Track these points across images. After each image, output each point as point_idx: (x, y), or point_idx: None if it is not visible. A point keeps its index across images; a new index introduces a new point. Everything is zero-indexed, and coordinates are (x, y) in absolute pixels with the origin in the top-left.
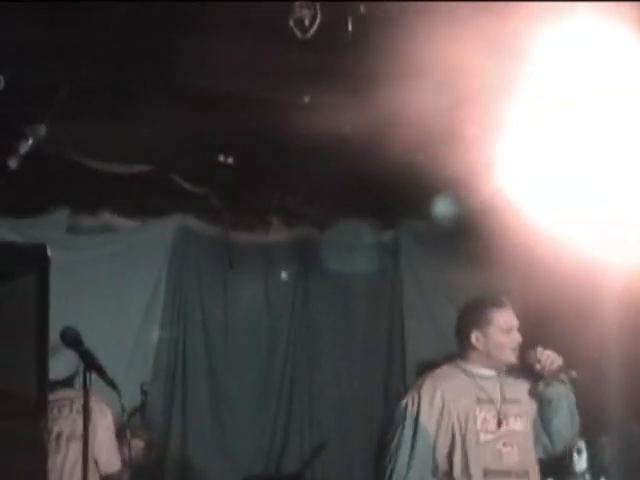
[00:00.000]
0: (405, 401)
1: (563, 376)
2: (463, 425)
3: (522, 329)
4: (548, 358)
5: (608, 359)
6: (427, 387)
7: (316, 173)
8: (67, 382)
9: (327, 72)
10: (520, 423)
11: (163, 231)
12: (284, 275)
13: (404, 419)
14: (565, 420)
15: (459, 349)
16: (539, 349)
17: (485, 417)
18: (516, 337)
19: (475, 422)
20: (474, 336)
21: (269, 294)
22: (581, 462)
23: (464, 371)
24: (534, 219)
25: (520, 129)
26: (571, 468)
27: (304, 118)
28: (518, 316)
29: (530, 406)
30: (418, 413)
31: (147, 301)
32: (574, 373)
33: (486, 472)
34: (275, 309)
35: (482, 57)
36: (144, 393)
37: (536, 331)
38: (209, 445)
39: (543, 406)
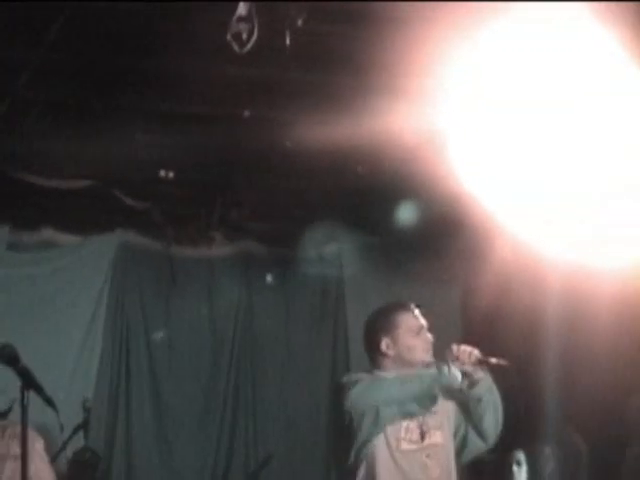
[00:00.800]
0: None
1: (483, 369)
2: (389, 428)
3: (463, 339)
4: (465, 352)
5: (547, 369)
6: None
7: (259, 187)
8: (1, 416)
9: (268, 86)
10: (440, 435)
11: (105, 247)
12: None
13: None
14: (495, 413)
15: (371, 361)
16: (454, 346)
17: (409, 426)
18: (427, 338)
19: (399, 429)
20: (384, 343)
21: (212, 309)
22: (521, 474)
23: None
24: (477, 229)
25: (470, 137)
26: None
27: (246, 132)
28: (461, 327)
29: (445, 416)
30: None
31: (89, 318)
32: (504, 361)
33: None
34: (218, 324)
35: (433, 60)
36: (86, 410)
37: (478, 341)
38: (153, 462)
39: (471, 406)
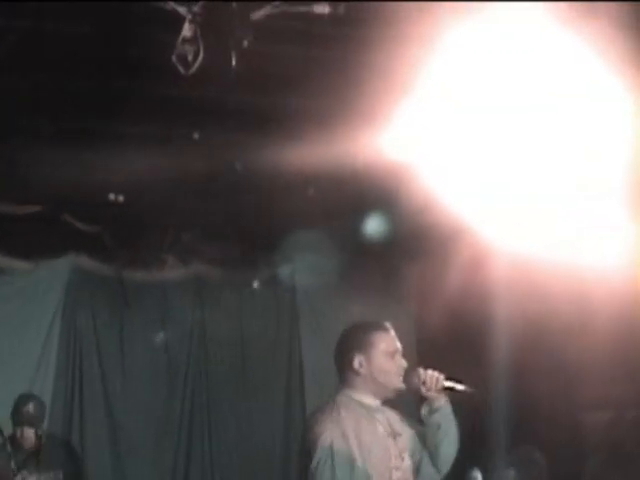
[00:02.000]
0: (328, 438)
1: (445, 395)
2: (378, 462)
3: (418, 358)
4: (432, 377)
5: (504, 387)
6: (346, 420)
7: (210, 210)
8: None
9: (217, 108)
10: (408, 458)
11: (56, 272)
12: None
13: (333, 460)
14: (452, 442)
15: (340, 378)
16: (421, 370)
17: (394, 453)
18: (401, 362)
19: (390, 458)
20: (357, 361)
21: (166, 332)
22: None
23: (357, 403)
24: (432, 249)
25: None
26: None
27: (196, 154)
28: (415, 346)
29: (411, 438)
30: (350, 451)
31: (42, 344)
32: (470, 388)
33: None
34: (172, 348)
35: (388, 78)
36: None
37: (430, 359)
38: None
39: (429, 433)
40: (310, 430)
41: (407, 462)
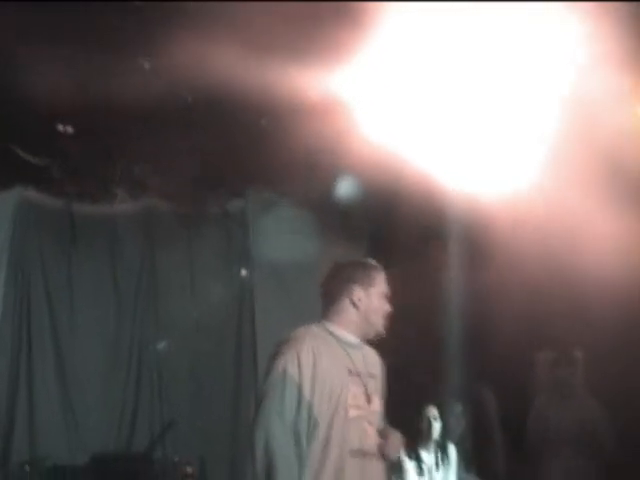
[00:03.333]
0: (283, 362)
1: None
2: (334, 398)
3: None
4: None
5: (456, 325)
6: (306, 350)
7: (161, 142)
8: None
9: (168, 38)
10: (378, 401)
11: (4, 205)
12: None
13: (284, 383)
14: None
15: (327, 308)
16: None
17: (355, 391)
18: (388, 307)
19: (347, 395)
20: (356, 295)
21: (115, 268)
22: (436, 428)
23: (332, 335)
24: (385, 189)
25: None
26: (428, 435)
27: (146, 85)
28: None
29: (382, 384)
30: (301, 378)
31: None
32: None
33: (350, 451)
34: (121, 283)
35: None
36: None
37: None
38: (57, 422)
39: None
40: (271, 355)
41: (376, 405)
